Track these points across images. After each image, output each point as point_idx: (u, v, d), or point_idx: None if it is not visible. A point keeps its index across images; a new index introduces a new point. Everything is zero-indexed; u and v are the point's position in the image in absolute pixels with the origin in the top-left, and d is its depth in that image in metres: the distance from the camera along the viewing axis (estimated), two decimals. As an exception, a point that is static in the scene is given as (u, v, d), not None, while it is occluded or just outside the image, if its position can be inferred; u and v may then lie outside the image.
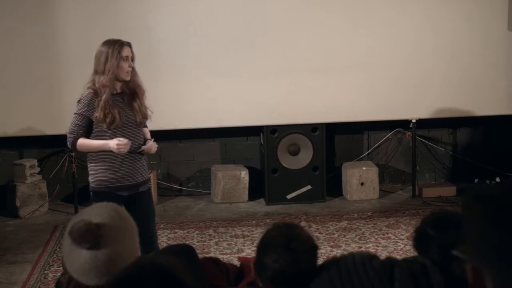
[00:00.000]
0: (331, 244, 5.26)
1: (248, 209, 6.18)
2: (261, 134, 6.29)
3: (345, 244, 5.25)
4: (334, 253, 5.00)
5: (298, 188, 6.25)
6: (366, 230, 5.50)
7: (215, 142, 6.62)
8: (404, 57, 6.18)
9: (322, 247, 5.19)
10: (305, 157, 6.25)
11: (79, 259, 1.86)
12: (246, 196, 6.35)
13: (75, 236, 1.84)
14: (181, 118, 6.12)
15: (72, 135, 3.98)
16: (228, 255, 5.00)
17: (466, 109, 6.34)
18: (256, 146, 6.60)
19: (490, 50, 6.27)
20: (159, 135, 6.38)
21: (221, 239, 5.42)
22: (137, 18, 5.95)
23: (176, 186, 6.63)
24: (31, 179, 6.11)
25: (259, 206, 6.27)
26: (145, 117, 4.03)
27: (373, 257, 2.30)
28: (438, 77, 6.24)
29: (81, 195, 6.26)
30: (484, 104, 6.33)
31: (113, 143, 3.85)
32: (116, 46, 3.91)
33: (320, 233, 5.50)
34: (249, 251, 5.01)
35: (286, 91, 6.13)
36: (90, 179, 4.05)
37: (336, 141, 6.72)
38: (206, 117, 6.12)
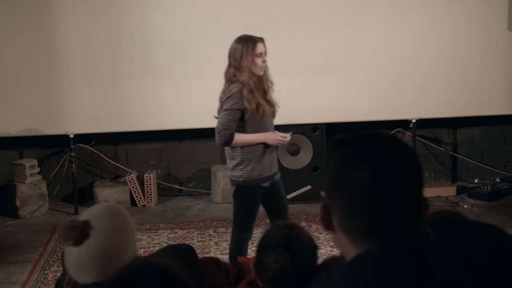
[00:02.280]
0: (331, 244, 5.26)
1: (248, 209, 6.18)
2: (261, 134, 6.29)
3: (345, 244, 5.24)
4: (334, 253, 4.99)
5: (298, 188, 6.25)
6: (366, 230, 5.49)
7: (215, 142, 6.61)
8: (404, 57, 6.18)
9: (322, 247, 5.19)
10: (305, 157, 6.25)
11: (70, 257, 1.91)
12: (246, 196, 6.34)
13: (61, 233, 1.89)
14: (181, 118, 6.12)
15: (228, 132, 3.96)
16: (228, 255, 4.99)
17: (466, 109, 6.34)
18: (256, 146, 6.59)
19: (490, 50, 6.27)
20: (159, 135, 6.42)
21: (221, 239, 5.42)
22: (137, 18, 5.95)
23: (176, 186, 6.63)
24: (31, 179, 6.11)
25: (259, 206, 6.26)
26: (277, 108, 4.13)
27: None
28: (438, 77, 6.23)
29: (81, 195, 6.27)
30: (484, 104, 6.33)
31: (272, 137, 3.97)
32: (250, 43, 3.98)
33: (320, 233, 5.49)
34: (249, 251, 5.00)
35: (286, 91, 6.09)
36: (238, 173, 4.03)
37: (336, 141, 6.71)
38: (206, 117, 6.08)
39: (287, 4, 6.03)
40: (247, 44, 3.97)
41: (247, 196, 4.06)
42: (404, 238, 1.24)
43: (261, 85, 4.03)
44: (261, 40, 4.04)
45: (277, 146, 4.14)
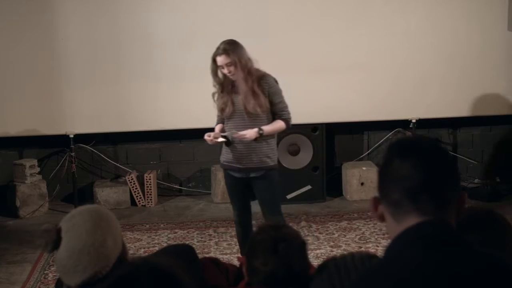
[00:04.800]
0: (331, 244, 5.26)
1: (248, 209, 6.17)
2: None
3: (345, 244, 5.25)
4: (334, 253, 5.00)
5: (298, 188, 6.25)
6: (366, 230, 5.50)
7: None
8: (404, 57, 6.18)
9: (322, 247, 5.20)
10: (305, 157, 6.25)
11: (56, 262, 1.99)
12: (246, 196, 6.34)
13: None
14: (181, 118, 6.12)
15: (216, 121, 4.48)
16: (228, 255, 5.00)
17: (466, 109, 6.34)
18: (256, 146, 6.59)
19: (490, 50, 6.26)
20: (159, 135, 6.42)
21: (221, 239, 5.42)
22: (137, 18, 5.95)
23: (176, 186, 6.63)
24: (31, 179, 6.11)
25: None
26: (249, 109, 4.25)
27: (372, 256, 2.30)
28: (438, 77, 6.23)
29: (81, 195, 6.28)
30: (484, 104, 6.33)
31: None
32: (214, 53, 4.31)
33: (320, 233, 5.50)
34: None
35: (286, 91, 6.09)
36: None
37: (336, 141, 6.72)
38: (206, 117, 6.08)
39: (287, 4, 6.03)
40: (213, 53, 4.33)
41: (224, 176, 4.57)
42: (439, 219, 1.47)
43: (245, 86, 4.27)
44: (221, 53, 4.28)
45: (259, 143, 4.32)
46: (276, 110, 4.42)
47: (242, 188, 4.48)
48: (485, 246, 1.91)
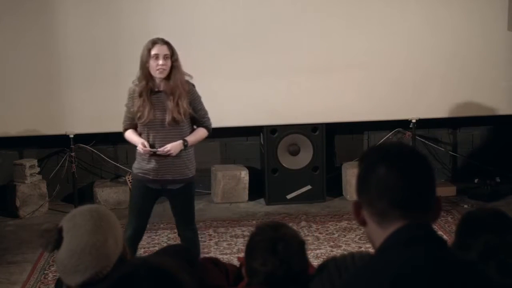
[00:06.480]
0: (331, 244, 5.26)
1: (248, 209, 6.18)
2: (261, 134, 6.29)
3: (345, 244, 5.25)
4: (334, 253, 5.00)
5: (298, 188, 6.25)
6: (366, 230, 5.50)
7: (215, 142, 6.61)
8: (404, 57, 6.18)
9: (322, 247, 5.20)
10: (305, 157, 6.25)
11: (56, 262, 1.98)
12: (246, 196, 6.35)
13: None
14: (181, 118, 6.11)
15: (123, 126, 4.24)
16: (228, 255, 5.00)
17: (466, 109, 6.34)
18: (256, 146, 6.60)
19: (490, 50, 6.26)
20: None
21: (221, 239, 5.42)
22: (137, 18, 5.95)
23: (176, 186, 6.62)
24: (31, 179, 6.11)
25: (259, 206, 6.27)
26: (178, 117, 4.03)
27: (372, 257, 2.30)
28: (438, 77, 6.23)
29: (81, 195, 6.27)
30: (484, 104, 6.33)
31: (139, 144, 4.07)
32: (148, 43, 4.08)
33: (320, 233, 5.50)
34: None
35: (286, 91, 6.12)
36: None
37: (336, 141, 6.72)
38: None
39: (287, 4, 6.03)
40: (147, 44, 4.09)
41: (132, 186, 4.40)
42: (423, 222, 1.53)
43: (171, 92, 4.04)
44: (162, 42, 4.08)
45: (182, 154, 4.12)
46: (198, 117, 4.18)
47: (153, 200, 4.22)
48: (497, 244, 1.96)
